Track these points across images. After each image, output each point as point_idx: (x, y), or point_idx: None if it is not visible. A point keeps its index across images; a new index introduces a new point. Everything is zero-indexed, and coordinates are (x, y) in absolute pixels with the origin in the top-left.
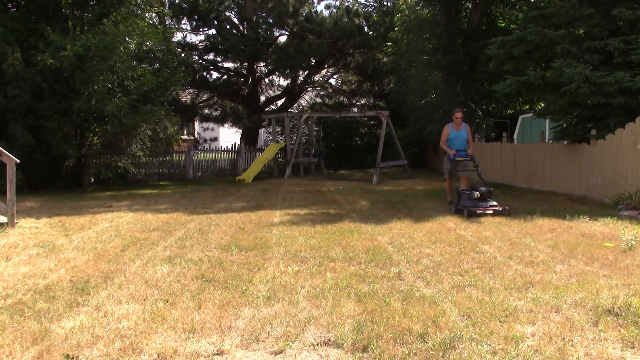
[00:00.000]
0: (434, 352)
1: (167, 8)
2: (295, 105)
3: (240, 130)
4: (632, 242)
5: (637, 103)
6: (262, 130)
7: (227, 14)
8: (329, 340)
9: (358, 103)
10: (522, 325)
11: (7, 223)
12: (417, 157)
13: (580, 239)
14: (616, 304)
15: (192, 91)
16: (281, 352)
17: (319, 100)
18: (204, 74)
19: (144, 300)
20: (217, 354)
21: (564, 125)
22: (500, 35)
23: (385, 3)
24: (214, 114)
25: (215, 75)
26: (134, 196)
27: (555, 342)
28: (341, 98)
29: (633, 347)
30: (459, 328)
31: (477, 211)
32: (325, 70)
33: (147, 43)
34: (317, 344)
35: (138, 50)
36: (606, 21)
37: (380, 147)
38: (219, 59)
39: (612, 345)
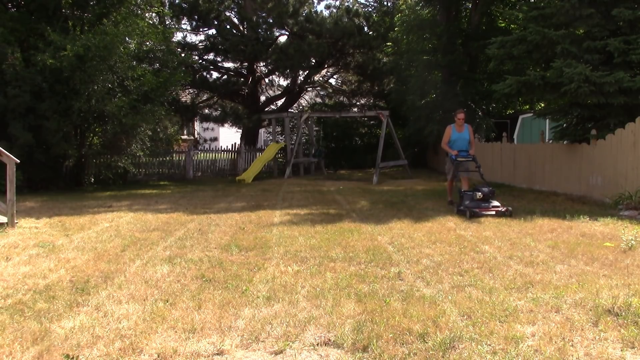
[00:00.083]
0: (434, 352)
1: (167, 8)
2: (295, 105)
3: (240, 130)
4: (632, 242)
5: (637, 103)
6: (262, 130)
7: (227, 14)
8: (329, 340)
9: (358, 103)
10: (522, 325)
11: (7, 223)
12: (417, 157)
13: (580, 239)
14: (616, 304)
15: (192, 91)
16: (281, 352)
17: (319, 100)
18: (204, 74)
19: (144, 300)
20: (217, 354)
21: (564, 125)
22: (500, 35)
23: (385, 3)
24: (214, 114)
25: (215, 75)
26: (134, 196)
27: (555, 342)
28: (341, 98)
29: (633, 347)
30: (459, 328)
31: (480, 212)
32: (325, 70)
33: (147, 43)
34: (317, 344)
35: (138, 50)
36: (606, 21)
37: (380, 147)
38: (219, 59)
39: (612, 345)
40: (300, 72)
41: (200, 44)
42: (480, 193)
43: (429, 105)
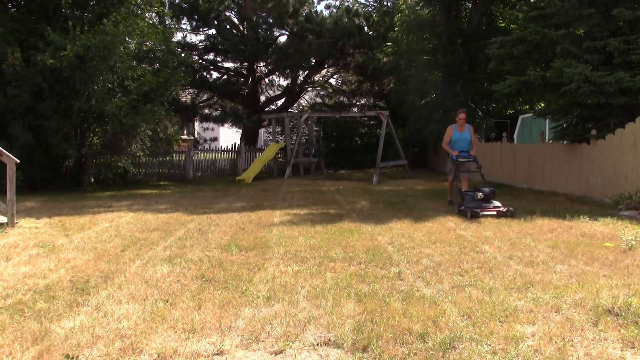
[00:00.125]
0: (434, 352)
1: (167, 8)
2: (295, 105)
3: (240, 130)
4: (632, 242)
5: (637, 103)
6: (262, 130)
7: (227, 14)
8: (329, 340)
9: (358, 103)
10: (522, 325)
11: (7, 223)
12: (417, 157)
13: (580, 239)
14: (616, 304)
15: (192, 91)
16: (281, 352)
17: (319, 100)
18: (204, 74)
19: (144, 300)
20: (217, 354)
21: (564, 125)
22: (500, 35)
23: (385, 3)
24: (214, 114)
25: (215, 75)
26: (134, 196)
27: (555, 342)
28: (341, 98)
29: (633, 347)
30: (459, 328)
31: (481, 212)
32: (325, 70)
33: (147, 43)
34: (317, 344)
35: (138, 50)
36: (606, 21)
37: (380, 147)
38: (219, 59)
39: (612, 345)
40: (300, 72)
41: (200, 44)
42: (481, 193)
43: (429, 105)
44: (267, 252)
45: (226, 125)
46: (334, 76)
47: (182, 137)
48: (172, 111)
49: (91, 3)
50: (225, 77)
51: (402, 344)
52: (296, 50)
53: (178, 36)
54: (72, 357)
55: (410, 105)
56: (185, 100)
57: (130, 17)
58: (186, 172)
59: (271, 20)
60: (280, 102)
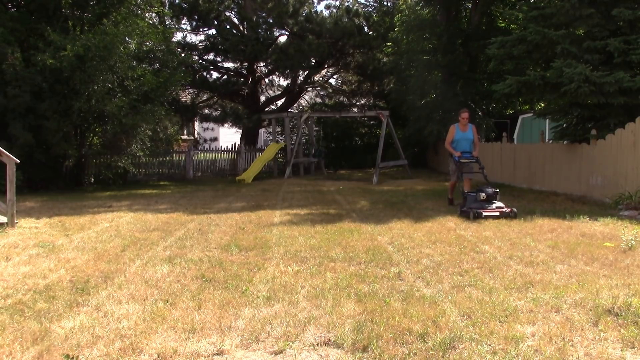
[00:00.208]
0: (434, 352)
1: (167, 8)
2: (295, 105)
3: (240, 130)
4: (632, 242)
5: (637, 103)
6: (262, 130)
7: (227, 14)
8: (329, 340)
9: (358, 103)
10: (522, 325)
11: (7, 223)
12: (417, 157)
13: (580, 239)
14: (616, 304)
15: (192, 91)
16: (281, 352)
17: (319, 100)
18: (204, 74)
19: (144, 300)
20: (217, 354)
21: (564, 125)
22: (500, 35)
23: (385, 3)
24: (214, 114)
25: (215, 75)
26: (134, 196)
27: (555, 342)
28: (341, 98)
29: (633, 347)
30: (459, 328)
31: (484, 213)
32: (325, 70)
33: (147, 43)
34: (317, 344)
35: (138, 50)
36: (606, 21)
37: (380, 147)
38: (219, 59)
39: (612, 345)
40: (300, 72)
41: (200, 44)
42: (483, 194)
43: (429, 105)
44: (267, 252)
45: (226, 125)
46: (334, 76)
47: (182, 137)
48: (172, 111)
49: (91, 3)
50: (225, 77)
51: (402, 344)
52: (296, 50)
53: (178, 36)
54: (72, 357)
55: (410, 105)
56: (185, 100)
57: (130, 17)
58: (186, 172)
59: (271, 20)
60: (280, 102)
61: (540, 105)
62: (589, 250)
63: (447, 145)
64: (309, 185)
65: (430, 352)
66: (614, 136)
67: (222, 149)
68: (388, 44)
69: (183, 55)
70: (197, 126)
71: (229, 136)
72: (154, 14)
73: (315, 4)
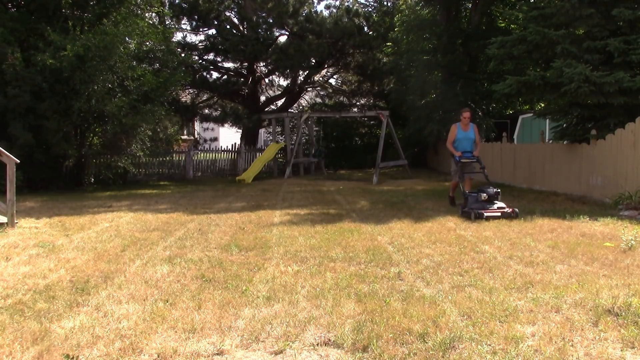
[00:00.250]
0: (434, 352)
1: (167, 8)
2: (295, 105)
3: (240, 130)
4: (632, 242)
5: (637, 103)
6: (262, 130)
7: (227, 14)
8: (329, 340)
9: (358, 103)
10: (522, 325)
11: (7, 223)
12: (417, 157)
13: (580, 239)
14: (616, 304)
15: (192, 91)
16: (281, 352)
17: (319, 100)
18: (204, 74)
19: (144, 300)
20: (217, 354)
21: (564, 125)
22: (500, 35)
23: (385, 3)
24: (214, 114)
25: (215, 75)
26: (134, 196)
27: (555, 342)
28: (341, 98)
29: (633, 347)
30: (459, 328)
31: (485, 214)
32: (325, 70)
33: (147, 43)
34: (317, 344)
35: (138, 50)
36: (606, 21)
37: (380, 147)
38: (219, 59)
39: (612, 345)
40: (300, 72)
41: (200, 44)
42: (485, 194)
43: (429, 105)
44: (267, 252)
45: (226, 125)
46: (334, 76)
47: (182, 137)
48: (172, 111)
49: (91, 3)
50: (225, 77)
51: (402, 344)
52: (296, 50)
53: (178, 36)
54: (72, 357)
55: (410, 105)
56: (185, 100)
57: (130, 17)
58: (186, 172)
59: (271, 20)
60: (280, 102)
61: (540, 105)
62: (589, 250)
63: (448, 144)
64: (309, 185)
65: (430, 352)
66: (614, 136)
67: (222, 149)
68: (388, 44)
69: (183, 55)
70: (197, 126)
71: (229, 136)
72: (154, 14)
73: (315, 4)
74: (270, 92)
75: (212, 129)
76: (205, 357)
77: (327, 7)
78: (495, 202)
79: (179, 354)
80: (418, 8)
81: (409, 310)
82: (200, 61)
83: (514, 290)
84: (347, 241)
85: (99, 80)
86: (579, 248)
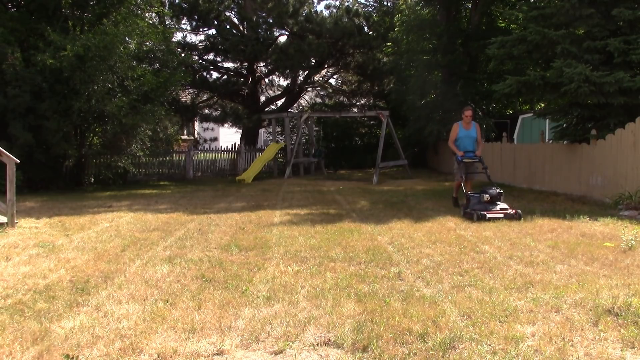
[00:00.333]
0: (434, 352)
1: (167, 8)
2: (295, 105)
3: (240, 130)
4: (632, 242)
5: (637, 103)
6: (262, 130)
7: (227, 14)
8: (329, 340)
9: (358, 103)
10: (522, 325)
11: (7, 223)
12: (417, 157)
13: (580, 239)
14: (616, 304)
15: (192, 91)
16: (281, 352)
17: (319, 100)
18: (204, 74)
19: (144, 300)
20: (217, 354)
21: (564, 125)
22: (500, 35)
23: (385, 3)
24: (214, 114)
25: (215, 75)
26: (134, 196)
27: (555, 342)
28: (341, 98)
29: (633, 347)
30: (459, 328)
31: (487, 215)
32: (325, 70)
33: (147, 43)
34: (317, 344)
35: (138, 50)
36: (606, 21)
37: (380, 147)
38: (219, 59)
39: (612, 345)
40: (300, 72)
41: (200, 44)
42: (487, 195)
43: (429, 105)
44: (267, 252)
45: (226, 125)
46: (334, 76)
47: (182, 137)
48: (172, 111)
49: (91, 3)
50: (225, 77)
51: (402, 344)
52: (296, 50)
53: (178, 36)
54: (72, 357)
55: (410, 105)
56: (185, 100)
57: (130, 17)
58: (186, 172)
59: (271, 20)
60: (280, 102)
61: (540, 105)
62: (589, 250)
63: (450, 143)
64: (309, 185)
65: (430, 352)
66: (614, 136)
67: (222, 149)
68: (388, 44)
69: (183, 55)
70: (197, 126)
71: (229, 136)
72: (154, 14)
73: (315, 4)
74: (270, 92)
75: (212, 129)
76: (205, 357)
77: (327, 7)
78: (498, 203)
79: (179, 354)
80: (418, 8)
81: (409, 310)
82: (200, 61)
83: (514, 290)
84: (347, 241)
85: (99, 80)
86: (579, 248)
